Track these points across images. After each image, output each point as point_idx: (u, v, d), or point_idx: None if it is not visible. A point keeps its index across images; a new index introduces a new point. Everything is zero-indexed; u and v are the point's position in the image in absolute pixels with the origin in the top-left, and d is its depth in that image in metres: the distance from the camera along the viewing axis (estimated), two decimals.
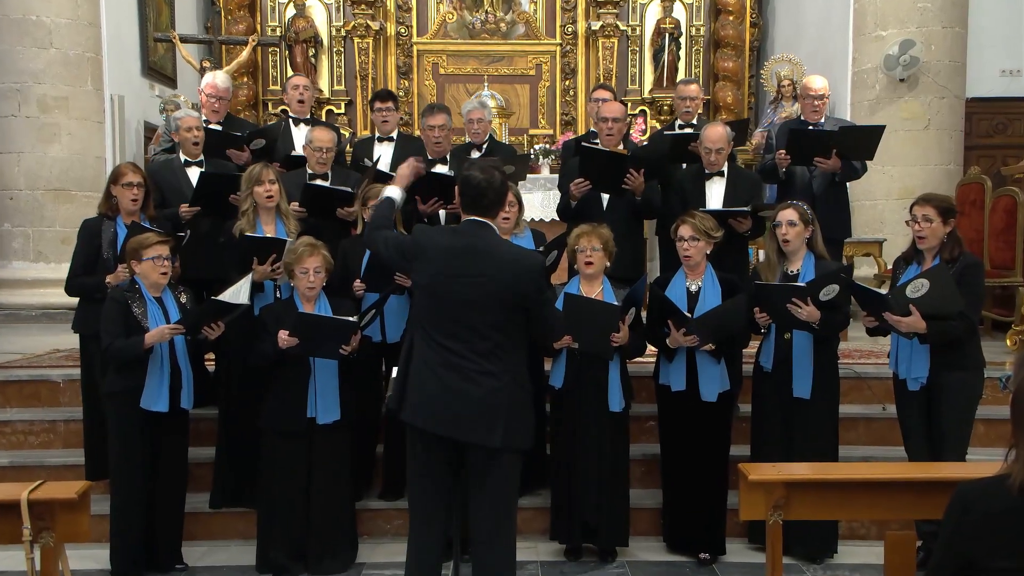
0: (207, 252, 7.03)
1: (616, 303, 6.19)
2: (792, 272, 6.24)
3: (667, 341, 6.25)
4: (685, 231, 6.34)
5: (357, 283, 6.65)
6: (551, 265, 6.72)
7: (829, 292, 5.97)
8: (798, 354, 6.20)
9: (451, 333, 4.77)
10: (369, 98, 13.17)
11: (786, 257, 6.31)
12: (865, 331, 6.20)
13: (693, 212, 6.50)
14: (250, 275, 6.32)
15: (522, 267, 4.86)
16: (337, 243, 6.86)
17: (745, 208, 7.06)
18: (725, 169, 7.41)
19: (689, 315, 6.18)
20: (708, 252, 6.40)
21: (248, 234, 6.59)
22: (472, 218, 4.91)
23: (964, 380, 6.03)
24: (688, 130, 8.31)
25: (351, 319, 6.08)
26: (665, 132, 8.54)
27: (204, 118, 8.19)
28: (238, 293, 6.14)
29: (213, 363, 7.04)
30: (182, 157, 7.68)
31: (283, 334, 6.01)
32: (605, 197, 7.49)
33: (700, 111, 8.82)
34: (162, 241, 6.12)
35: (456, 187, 5.00)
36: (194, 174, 7.47)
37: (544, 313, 5.02)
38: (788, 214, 6.24)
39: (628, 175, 7.19)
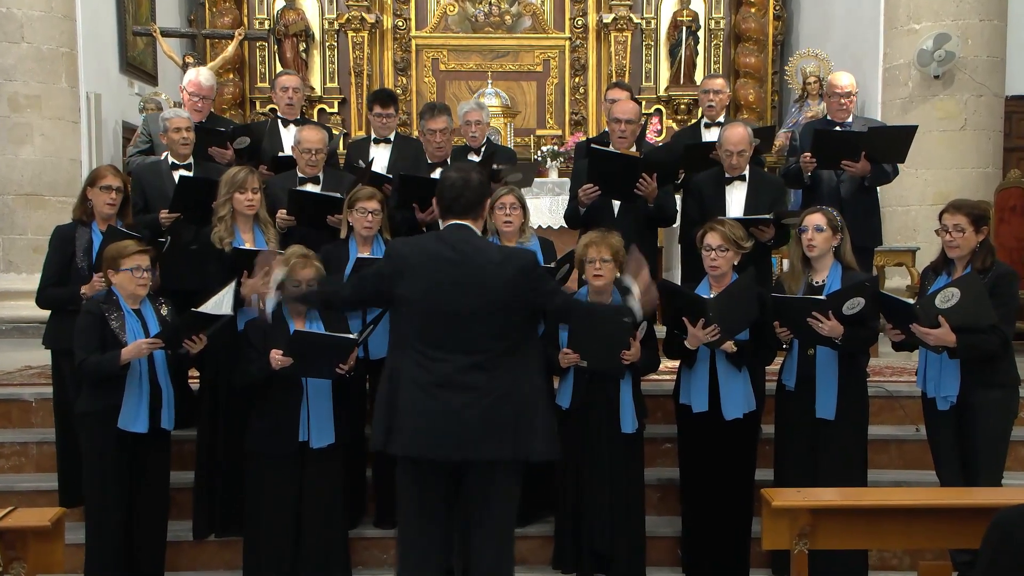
0: (189, 261, 6.97)
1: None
2: (817, 283, 6.23)
3: (686, 342, 6.23)
4: (713, 239, 6.33)
5: None
6: (561, 279, 6.74)
7: (853, 306, 5.92)
8: (822, 372, 6.18)
9: (449, 348, 4.80)
10: (365, 97, 13.26)
11: (811, 266, 6.29)
12: (891, 346, 6.21)
13: (722, 220, 6.50)
14: (233, 284, 6.27)
15: (515, 266, 4.91)
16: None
17: (767, 216, 7.08)
18: (747, 173, 7.42)
19: (704, 297, 6.19)
20: (736, 263, 6.41)
21: (237, 247, 6.59)
22: (453, 222, 4.96)
23: (998, 399, 6.02)
24: (713, 130, 8.34)
25: (350, 336, 6.07)
26: (684, 141, 8.46)
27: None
28: (220, 303, 6.11)
29: (196, 381, 7.04)
30: (170, 159, 7.64)
31: (276, 354, 5.97)
32: (616, 203, 7.50)
33: (725, 107, 8.83)
34: (142, 250, 6.10)
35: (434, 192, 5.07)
36: (184, 175, 7.46)
37: (559, 298, 5.13)
38: (815, 219, 6.22)
39: (640, 180, 7.19)
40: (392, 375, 4.96)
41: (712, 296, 6.29)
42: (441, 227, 5.07)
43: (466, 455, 4.83)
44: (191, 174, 7.49)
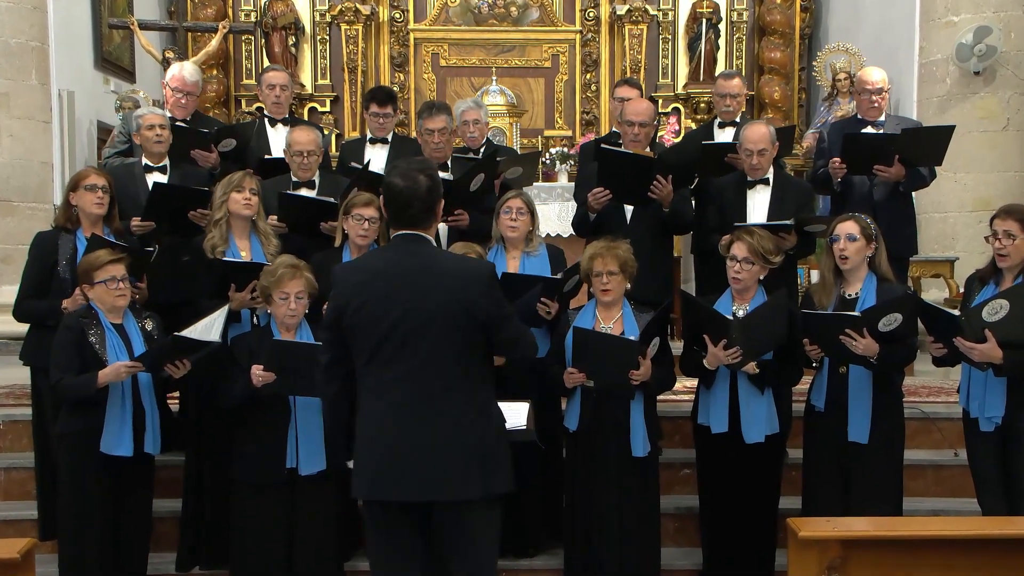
0: (178, 272, 6.89)
1: (636, 333, 6.19)
2: (850, 296, 6.26)
3: (704, 361, 6.25)
4: (740, 250, 6.34)
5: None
6: (570, 291, 6.74)
7: (890, 322, 5.93)
8: (855, 392, 6.19)
9: (397, 372, 4.67)
10: (360, 95, 13.25)
11: (844, 278, 6.31)
12: (932, 361, 6.21)
13: (752, 229, 6.50)
14: (225, 308, 6.28)
15: (468, 277, 4.78)
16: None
17: (787, 222, 7.05)
18: (771, 176, 7.43)
19: (728, 317, 6.19)
20: (761, 278, 6.42)
21: (227, 259, 6.60)
22: (401, 232, 4.82)
23: None
24: (728, 131, 8.34)
25: None
26: (700, 140, 8.44)
27: (169, 115, 8.18)
28: (210, 328, 6.10)
29: (176, 403, 7.04)
30: (143, 161, 7.63)
31: (256, 369, 6.00)
32: (629, 208, 7.49)
33: (743, 109, 8.83)
34: (115, 259, 6.10)
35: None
36: (158, 181, 7.44)
37: (509, 328, 4.88)
38: (847, 227, 6.24)
39: (655, 182, 7.16)
40: (357, 412, 4.85)
41: (734, 310, 6.31)
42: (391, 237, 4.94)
43: (428, 495, 4.67)
44: (165, 178, 7.49)
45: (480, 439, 4.71)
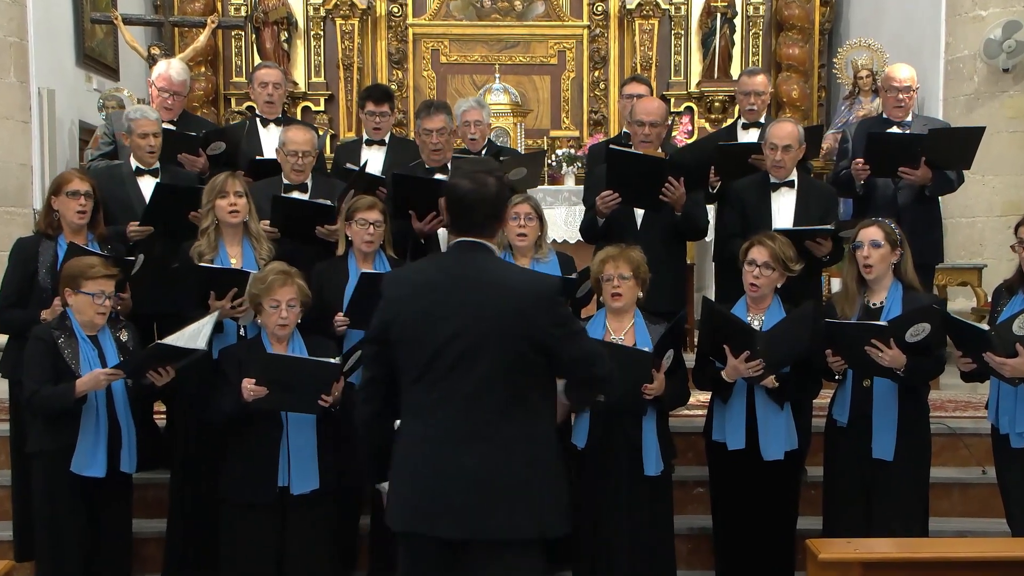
0: (163, 280, 6.90)
1: (649, 344, 6.19)
2: (875, 305, 6.26)
3: (723, 373, 6.24)
4: (759, 254, 6.36)
5: (339, 317, 6.61)
6: (583, 297, 6.74)
7: (918, 332, 5.92)
8: (879, 406, 6.18)
9: (445, 393, 4.53)
10: (356, 93, 13.26)
11: (868, 286, 6.31)
12: (960, 376, 6.21)
13: (773, 234, 6.53)
14: (215, 315, 6.25)
15: (532, 293, 4.60)
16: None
17: (828, 227, 7.04)
18: (795, 178, 7.43)
19: (755, 328, 6.21)
20: (779, 287, 6.43)
21: (203, 264, 6.58)
22: (462, 239, 4.68)
23: None
24: (752, 132, 8.33)
25: (332, 360, 6.07)
26: (720, 142, 8.41)
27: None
28: (196, 335, 6.03)
29: (164, 417, 7.03)
30: (132, 164, 7.59)
31: (248, 383, 5.95)
32: (639, 213, 7.48)
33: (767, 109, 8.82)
34: (109, 274, 6.08)
35: (440, 201, 4.92)
36: (148, 185, 7.41)
37: (576, 350, 4.69)
38: (871, 233, 6.24)
39: (667, 184, 7.14)
40: (397, 434, 4.74)
41: (748, 320, 6.31)
42: (447, 245, 4.89)
43: (466, 533, 4.51)
44: (157, 180, 7.45)
45: (532, 473, 4.55)
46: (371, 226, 6.73)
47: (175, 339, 6.01)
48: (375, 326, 4.80)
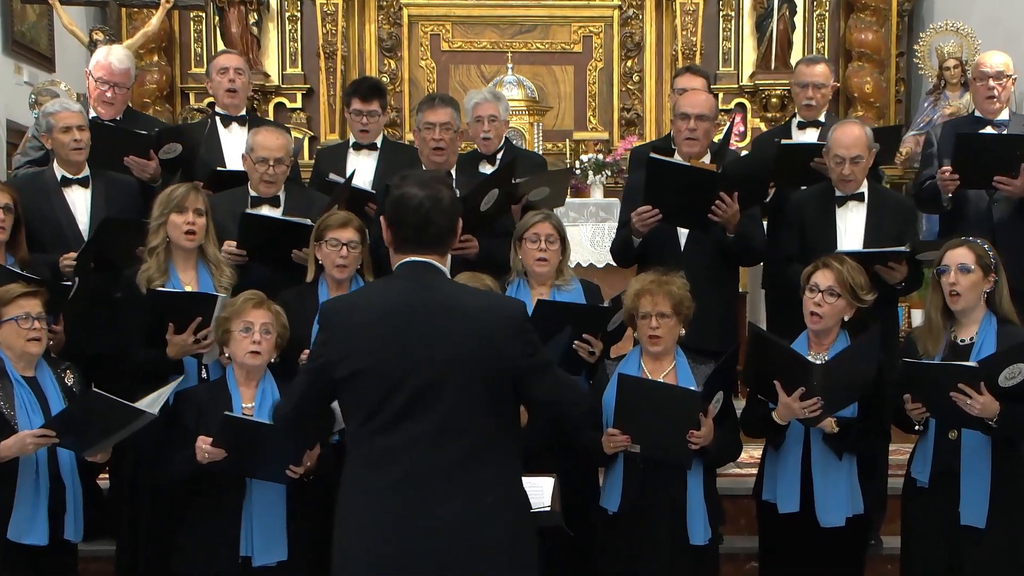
0: (102, 312, 6.91)
1: (695, 387, 6.16)
2: (963, 342, 6.24)
3: (774, 414, 6.22)
4: (823, 279, 6.33)
5: (305, 355, 6.22)
6: (614, 331, 6.71)
7: (1014, 374, 5.88)
8: (968, 463, 6.14)
9: (406, 436, 4.58)
10: (340, 88, 13.25)
11: (955, 319, 6.30)
12: None
13: (842, 256, 6.52)
14: (174, 384, 6.20)
15: (497, 317, 4.72)
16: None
17: (902, 248, 7.03)
18: (865, 190, 7.43)
19: (811, 359, 6.17)
20: (847, 319, 6.40)
21: (161, 288, 6.54)
22: (411, 259, 4.76)
23: None
24: (810, 132, 8.31)
25: None
26: (776, 139, 8.42)
27: (93, 114, 8.18)
28: (153, 404, 5.95)
29: (107, 479, 7.03)
30: (58, 172, 7.58)
31: (203, 442, 5.89)
32: (683, 232, 7.44)
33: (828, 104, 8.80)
34: (29, 292, 6.05)
35: (382, 215, 4.88)
36: (77, 197, 7.46)
37: (545, 383, 4.80)
38: (959, 255, 6.20)
39: (718, 201, 7.06)
40: (343, 486, 4.80)
41: (811, 356, 6.29)
42: (393, 266, 4.87)
43: None
44: (87, 192, 7.47)
45: (507, 522, 4.64)
46: (344, 247, 6.69)
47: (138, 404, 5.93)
48: (313, 359, 4.88)
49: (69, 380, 6.26)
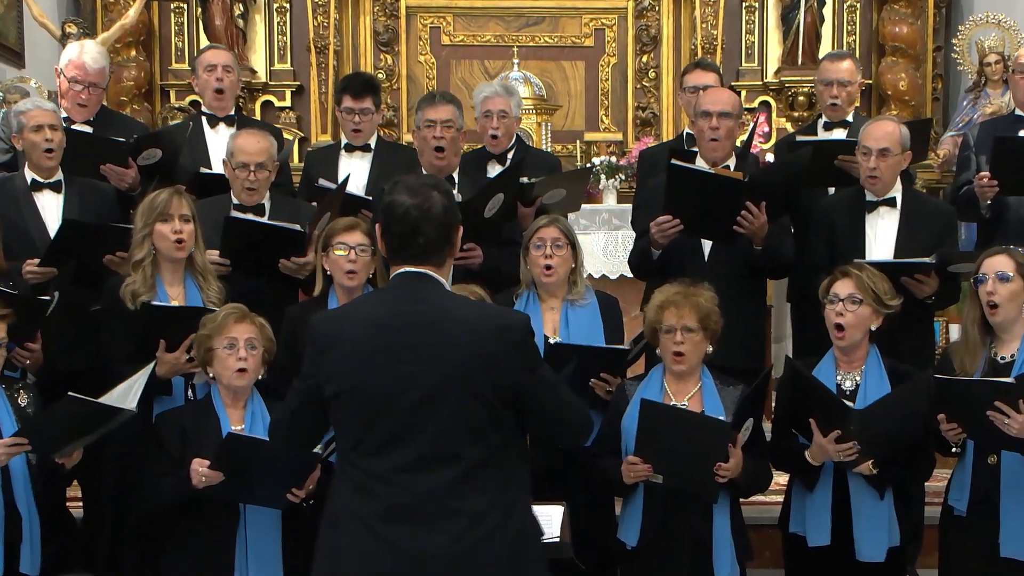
0: (85, 328, 6.92)
1: (721, 413, 6.14)
2: (1004, 359, 6.23)
3: (807, 454, 6.20)
4: (842, 287, 6.30)
5: None
6: (632, 356, 6.69)
7: None
8: (1008, 489, 6.10)
9: (400, 459, 4.59)
10: (333, 84, 13.27)
11: (994, 334, 6.28)
12: None
13: (861, 263, 6.50)
14: (148, 369, 6.21)
15: (496, 330, 4.71)
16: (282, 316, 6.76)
17: (926, 260, 7.03)
18: (898, 195, 7.41)
19: (850, 405, 6.12)
20: (874, 328, 6.38)
21: (155, 303, 6.53)
22: (404, 270, 4.77)
23: None
24: (837, 132, 8.32)
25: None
26: (798, 138, 8.42)
27: (65, 114, 8.15)
28: (126, 395, 5.98)
29: (80, 504, 7.02)
30: (28, 176, 7.58)
31: (199, 465, 5.90)
32: (707, 243, 7.42)
33: (857, 103, 8.80)
34: None
35: (377, 223, 4.89)
36: (48, 202, 7.47)
37: (550, 400, 4.82)
38: (998, 263, 6.18)
39: (744, 212, 7.02)
40: (329, 513, 4.80)
41: (838, 381, 6.29)
42: (389, 276, 4.88)
43: None
44: (59, 198, 7.47)
45: (508, 549, 4.62)
46: (352, 250, 6.65)
47: (103, 399, 5.93)
48: (304, 378, 4.88)
49: (23, 401, 6.23)
